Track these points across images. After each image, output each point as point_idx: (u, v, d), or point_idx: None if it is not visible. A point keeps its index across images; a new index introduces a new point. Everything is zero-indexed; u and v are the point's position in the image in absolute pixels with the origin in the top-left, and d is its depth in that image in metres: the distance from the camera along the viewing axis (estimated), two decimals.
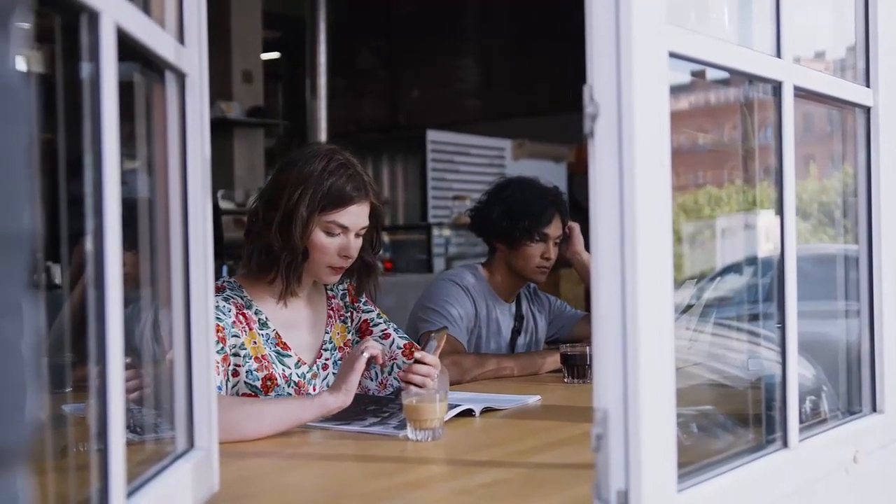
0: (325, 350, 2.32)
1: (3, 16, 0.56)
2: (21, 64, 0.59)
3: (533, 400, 2.34)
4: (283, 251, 2.15)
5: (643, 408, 1.16)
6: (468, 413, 2.10)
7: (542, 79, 9.24)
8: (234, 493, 1.47)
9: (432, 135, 8.15)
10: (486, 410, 2.17)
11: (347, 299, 2.40)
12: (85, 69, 1.01)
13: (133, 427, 1.38)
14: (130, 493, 1.09)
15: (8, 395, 0.55)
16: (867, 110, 1.81)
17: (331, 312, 2.36)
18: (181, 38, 1.35)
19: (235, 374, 2.13)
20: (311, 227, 2.16)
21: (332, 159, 2.17)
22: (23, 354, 0.56)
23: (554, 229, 2.99)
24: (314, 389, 2.25)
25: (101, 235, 1.00)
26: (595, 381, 1.19)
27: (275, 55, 10.23)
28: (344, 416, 2.04)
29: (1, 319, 0.54)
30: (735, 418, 1.73)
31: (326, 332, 2.33)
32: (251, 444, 1.88)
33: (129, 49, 1.12)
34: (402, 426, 1.91)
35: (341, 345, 2.35)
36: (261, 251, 2.19)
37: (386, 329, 2.38)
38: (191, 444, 1.37)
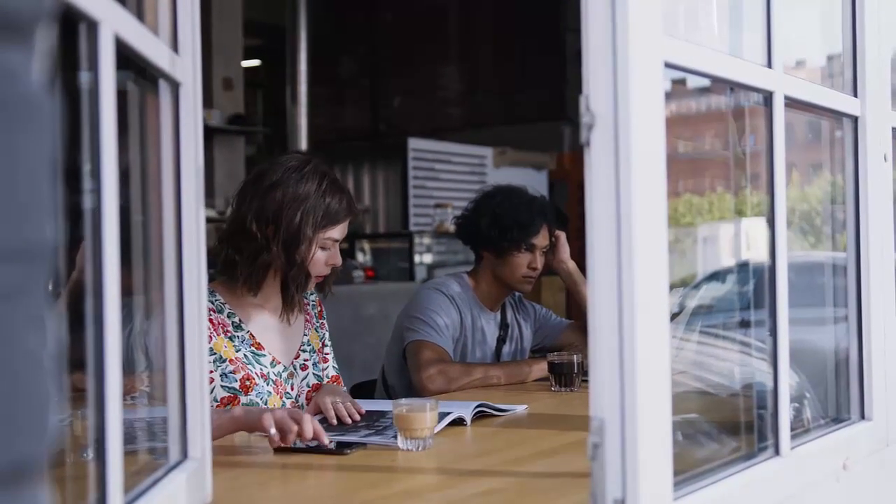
0: (304, 351, 2.39)
1: (26, 30, 0.56)
2: (44, 76, 0.59)
3: (521, 409, 2.34)
4: (291, 270, 2.23)
5: (640, 416, 1.16)
6: (459, 422, 2.10)
7: (523, 87, 9.26)
8: None
9: (413, 143, 8.14)
10: (479, 416, 2.17)
11: (316, 311, 2.49)
12: (83, 78, 1.00)
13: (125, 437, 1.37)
14: None
15: (33, 407, 0.55)
16: (854, 120, 1.83)
17: (307, 317, 2.44)
18: (175, 46, 1.35)
19: (209, 381, 2.14)
20: (315, 247, 2.25)
21: (323, 177, 2.26)
22: (45, 366, 0.56)
23: (541, 239, 2.99)
24: (292, 389, 2.32)
25: (100, 245, 0.99)
26: (591, 390, 1.19)
27: (255, 62, 10.22)
28: (337, 428, 2.03)
29: (25, 331, 0.54)
30: (724, 426, 1.73)
31: (305, 335, 2.40)
32: (244, 455, 1.87)
33: (125, 57, 1.12)
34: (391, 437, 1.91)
35: (318, 349, 2.44)
36: (261, 269, 2.24)
37: (328, 354, 2.49)
38: (184, 454, 1.36)
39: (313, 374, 2.39)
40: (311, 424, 1.81)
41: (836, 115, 1.84)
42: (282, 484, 1.69)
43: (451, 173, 8.27)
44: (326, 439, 1.84)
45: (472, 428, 2.11)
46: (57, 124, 0.60)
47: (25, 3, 0.56)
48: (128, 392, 1.31)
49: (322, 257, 2.28)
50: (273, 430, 1.79)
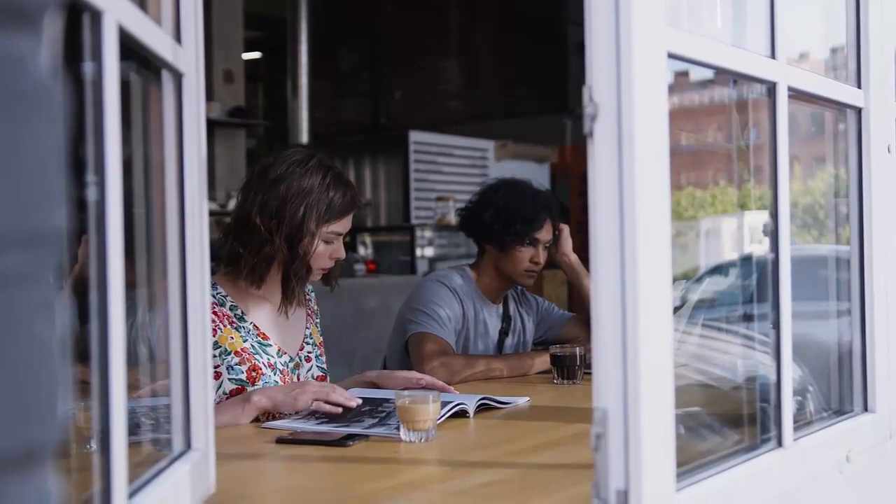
0: (307, 343, 2.42)
1: (35, 18, 0.56)
2: (53, 62, 0.59)
3: (523, 401, 2.34)
4: (293, 263, 2.25)
5: (643, 407, 1.16)
6: (461, 414, 2.10)
7: (524, 80, 9.26)
8: (230, 495, 1.47)
9: (415, 136, 8.14)
10: (481, 409, 2.18)
11: (315, 308, 2.51)
12: (87, 68, 1.00)
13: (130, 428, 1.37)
14: (131, 495, 1.08)
15: (42, 393, 0.55)
16: (858, 111, 1.83)
17: (309, 311, 2.47)
18: (178, 37, 1.34)
19: (216, 376, 2.16)
20: (317, 241, 2.26)
21: (327, 171, 2.28)
22: (55, 353, 0.56)
23: (545, 234, 2.99)
24: (298, 379, 2.34)
25: (104, 236, 0.99)
26: (595, 381, 1.19)
27: (256, 55, 10.21)
28: (340, 418, 2.03)
29: (35, 317, 0.54)
30: (727, 418, 1.73)
31: (307, 328, 2.43)
32: (247, 445, 1.88)
33: (128, 48, 1.12)
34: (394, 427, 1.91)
35: (318, 342, 2.46)
36: (264, 261, 2.25)
37: (320, 353, 2.49)
38: (188, 445, 1.36)
39: (317, 366, 2.42)
40: (341, 394, 2.09)
41: (840, 107, 1.84)
42: (285, 475, 1.69)
43: (452, 166, 8.27)
44: (354, 403, 2.09)
45: (474, 420, 2.11)
46: (66, 112, 0.60)
47: None
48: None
49: (326, 251, 2.29)
50: (313, 406, 2.06)
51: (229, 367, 2.19)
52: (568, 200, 7.37)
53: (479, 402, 2.17)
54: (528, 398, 2.37)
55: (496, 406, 2.24)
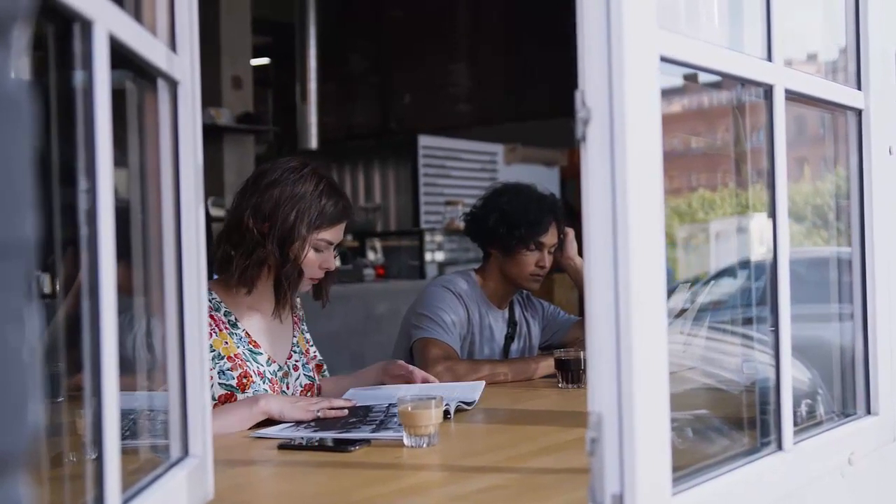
0: (295, 352, 2.43)
1: (3, 29, 0.56)
2: (21, 73, 0.59)
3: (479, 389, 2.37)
4: (284, 267, 2.26)
5: (637, 411, 1.16)
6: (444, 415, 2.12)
7: (533, 83, 9.25)
8: (228, 502, 1.47)
9: (424, 140, 8.14)
10: (459, 410, 2.21)
11: (301, 314, 2.53)
12: (78, 77, 1.01)
13: (125, 434, 1.37)
14: (125, 502, 1.09)
15: (11, 401, 0.55)
16: (858, 113, 1.82)
17: (296, 320, 2.48)
18: (173, 45, 1.35)
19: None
20: (308, 246, 2.27)
21: (320, 179, 2.30)
22: (25, 361, 0.56)
23: (550, 238, 2.99)
24: (287, 388, 2.36)
25: (96, 244, 1.00)
26: (589, 385, 1.19)
27: (264, 61, 10.22)
28: (332, 426, 2.03)
29: (4, 326, 0.55)
30: (730, 421, 1.73)
31: (294, 336, 2.45)
32: (245, 451, 1.88)
33: (121, 57, 1.12)
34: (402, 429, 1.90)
35: (305, 350, 2.48)
36: (255, 265, 2.27)
37: (307, 362, 2.48)
38: (185, 451, 1.37)
39: (304, 374, 2.44)
40: (339, 403, 2.17)
41: (840, 109, 1.83)
42: (285, 481, 1.69)
43: (461, 170, 8.27)
44: (353, 403, 2.18)
45: (478, 425, 2.12)
46: (35, 122, 0.60)
47: (1, 3, 0.56)
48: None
49: (315, 259, 2.30)
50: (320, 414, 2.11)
51: (221, 372, 2.21)
52: (577, 204, 7.35)
53: (456, 404, 2.20)
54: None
55: (465, 407, 2.26)
